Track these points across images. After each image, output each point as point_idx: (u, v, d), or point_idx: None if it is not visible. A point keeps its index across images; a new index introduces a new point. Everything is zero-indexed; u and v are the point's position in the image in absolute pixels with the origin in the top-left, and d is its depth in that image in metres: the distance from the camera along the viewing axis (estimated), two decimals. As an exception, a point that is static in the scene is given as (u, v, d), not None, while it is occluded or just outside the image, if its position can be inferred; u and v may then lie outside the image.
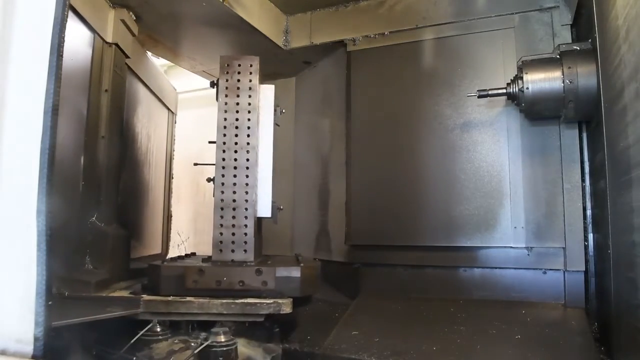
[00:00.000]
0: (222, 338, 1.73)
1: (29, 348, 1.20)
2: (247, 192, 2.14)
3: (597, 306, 2.23)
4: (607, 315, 1.89)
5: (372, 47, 3.02)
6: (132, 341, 1.73)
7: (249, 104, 2.16)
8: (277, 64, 3.55)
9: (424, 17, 2.85)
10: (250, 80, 2.16)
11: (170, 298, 1.86)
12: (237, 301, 1.85)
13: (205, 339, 1.71)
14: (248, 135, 2.14)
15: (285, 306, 1.85)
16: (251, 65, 2.18)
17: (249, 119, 2.15)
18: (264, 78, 3.85)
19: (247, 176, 2.15)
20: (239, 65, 2.18)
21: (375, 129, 2.93)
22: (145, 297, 1.88)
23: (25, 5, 1.32)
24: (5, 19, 1.31)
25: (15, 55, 1.30)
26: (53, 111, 1.27)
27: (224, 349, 1.71)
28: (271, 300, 1.85)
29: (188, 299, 1.85)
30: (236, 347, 1.77)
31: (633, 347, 1.46)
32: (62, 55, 1.32)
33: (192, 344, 1.77)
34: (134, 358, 1.67)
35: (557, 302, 2.35)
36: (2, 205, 1.27)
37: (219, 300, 1.84)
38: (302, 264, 2.03)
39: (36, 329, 1.21)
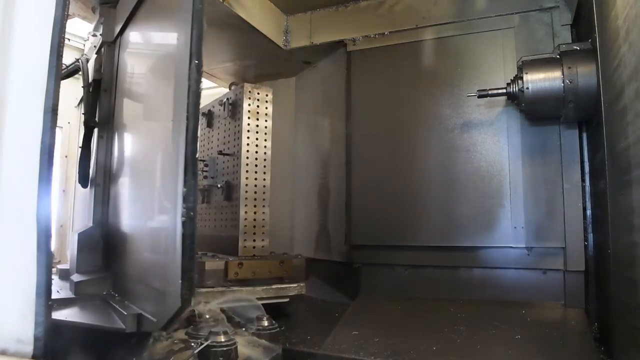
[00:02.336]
0: (222, 338, 1.73)
1: (29, 348, 1.20)
2: (264, 193, 2.62)
3: (597, 306, 2.23)
4: (607, 315, 1.89)
5: (372, 47, 3.02)
6: (132, 341, 1.73)
7: (266, 127, 2.65)
8: (277, 64, 3.54)
9: (424, 17, 2.85)
10: (267, 108, 2.66)
11: (224, 288, 2.19)
12: (273, 287, 2.31)
13: (206, 339, 1.71)
14: (265, 153, 2.63)
15: (304, 288, 2.40)
16: (267, 95, 2.66)
17: (265, 140, 2.65)
18: (264, 78, 3.87)
19: (264, 185, 2.63)
20: (258, 93, 2.64)
21: (376, 129, 2.93)
22: (203, 289, 2.12)
23: (25, 5, 1.32)
24: (6, 19, 1.31)
25: (15, 55, 1.30)
26: (53, 111, 1.27)
27: (224, 349, 1.70)
28: (296, 284, 2.37)
29: (234, 288, 2.21)
30: (236, 347, 1.76)
31: (633, 347, 1.46)
32: (62, 55, 1.32)
33: (192, 344, 1.76)
34: (134, 358, 1.67)
35: (557, 302, 2.35)
36: (2, 205, 1.27)
37: (260, 287, 2.27)
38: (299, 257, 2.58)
39: (36, 329, 1.21)
